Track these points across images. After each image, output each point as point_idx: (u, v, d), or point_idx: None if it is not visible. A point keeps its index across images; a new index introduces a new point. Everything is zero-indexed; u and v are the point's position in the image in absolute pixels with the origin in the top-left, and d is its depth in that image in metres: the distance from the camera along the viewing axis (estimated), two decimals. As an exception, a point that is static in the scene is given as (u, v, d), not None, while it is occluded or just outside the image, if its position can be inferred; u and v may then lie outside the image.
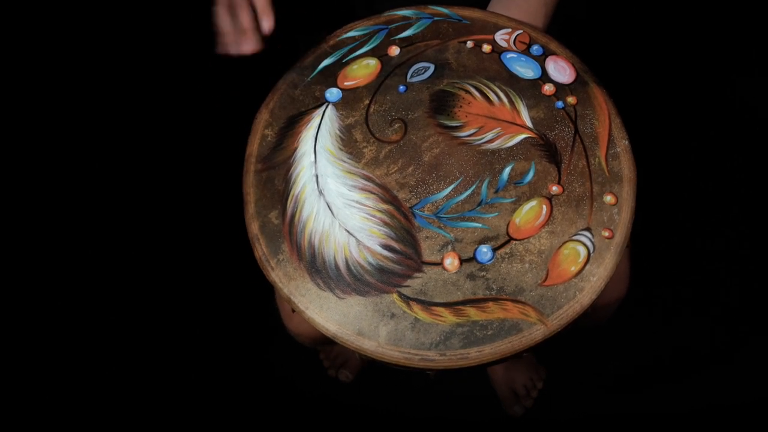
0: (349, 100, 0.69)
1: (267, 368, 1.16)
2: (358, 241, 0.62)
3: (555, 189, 0.63)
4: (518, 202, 0.63)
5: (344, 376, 1.15)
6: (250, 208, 0.65)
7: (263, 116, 0.69)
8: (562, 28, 0.78)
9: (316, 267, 0.61)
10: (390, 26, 0.73)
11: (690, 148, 1.31)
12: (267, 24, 0.65)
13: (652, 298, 1.19)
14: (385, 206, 0.64)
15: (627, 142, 0.65)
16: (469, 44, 0.71)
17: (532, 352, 0.63)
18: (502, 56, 0.70)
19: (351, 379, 1.15)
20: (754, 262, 1.21)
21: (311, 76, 0.71)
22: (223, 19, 0.65)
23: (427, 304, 0.60)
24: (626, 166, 0.64)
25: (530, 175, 0.64)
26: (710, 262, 1.22)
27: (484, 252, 0.61)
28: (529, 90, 0.68)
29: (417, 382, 1.03)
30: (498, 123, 0.67)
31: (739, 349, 1.14)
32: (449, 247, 0.61)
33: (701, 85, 1.35)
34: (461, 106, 0.68)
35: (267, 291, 0.75)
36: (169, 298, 1.19)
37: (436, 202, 0.64)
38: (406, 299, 0.60)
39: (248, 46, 0.65)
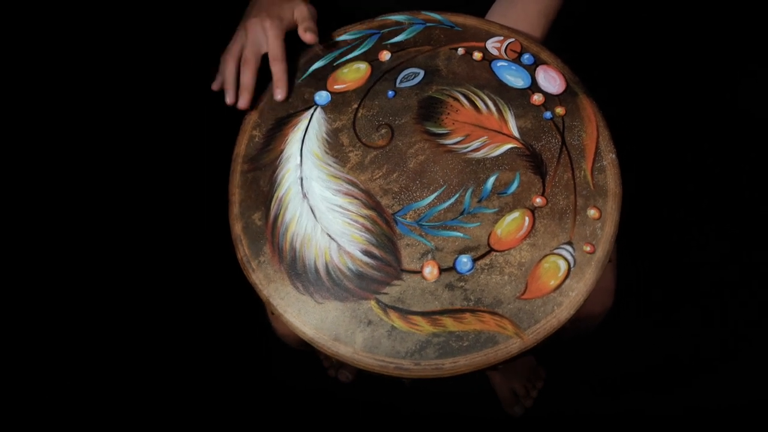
0: (338, 103, 0.69)
1: (266, 368, 1.16)
2: (339, 246, 0.62)
3: (539, 201, 0.62)
4: (501, 213, 0.62)
5: (344, 377, 1.15)
6: (235, 209, 0.65)
7: (252, 117, 0.69)
8: (556, 38, 0.77)
9: (297, 270, 0.61)
10: (382, 31, 0.72)
11: (679, 160, 1.30)
12: (280, 94, 0.69)
13: (653, 299, 1.18)
14: (367, 212, 0.63)
15: (614, 156, 0.64)
16: (460, 51, 0.70)
17: (532, 354, 0.62)
18: (492, 64, 0.69)
19: (351, 379, 1.15)
20: (747, 270, 1.20)
21: (301, 78, 0.71)
22: (228, 68, 0.68)
23: (405, 313, 0.59)
24: (612, 180, 0.63)
25: (514, 186, 0.63)
26: (714, 263, 1.22)
27: (464, 262, 0.60)
28: (517, 99, 0.67)
29: (393, 382, 1.03)
30: (485, 132, 0.66)
31: (741, 351, 1.14)
32: (429, 256, 0.61)
33: (694, 97, 1.34)
34: (449, 114, 0.67)
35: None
36: (163, 298, 1.19)
37: (418, 209, 0.63)
38: (383, 306, 0.60)
39: (242, 102, 0.68)
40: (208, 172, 0.89)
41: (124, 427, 1.12)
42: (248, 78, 0.68)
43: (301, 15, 0.69)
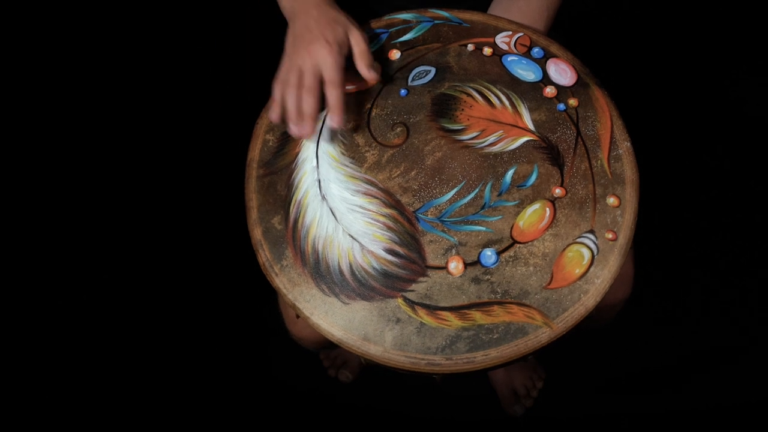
0: (350, 104, 0.69)
1: (267, 369, 1.16)
2: (361, 245, 0.62)
3: (558, 192, 0.63)
4: (521, 205, 0.63)
5: (344, 377, 1.15)
6: (253, 214, 0.65)
7: (264, 121, 0.69)
8: (562, 31, 0.78)
9: (320, 272, 0.61)
10: (390, 30, 0.72)
11: (692, 148, 1.32)
12: (336, 122, 0.64)
13: (654, 298, 1.19)
14: (388, 210, 0.64)
15: (629, 144, 0.65)
16: (470, 47, 0.71)
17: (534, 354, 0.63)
18: (503, 59, 0.70)
19: (351, 379, 1.15)
20: (758, 262, 1.22)
21: None
22: (292, 96, 0.64)
23: (433, 309, 0.60)
24: (628, 168, 0.64)
25: (533, 178, 0.64)
26: (713, 263, 1.23)
27: (489, 255, 0.61)
28: (530, 93, 0.68)
29: (416, 382, 1.04)
30: (500, 126, 0.67)
31: (743, 350, 1.15)
32: (453, 251, 0.61)
33: (702, 85, 1.36)
34: (463, 110, 0.68)
35: (267, 293, 0.75)
36: (172, 303, 1.19)
37: (439, 205, 0.64)
38: (411, 304, 0.60)
39: (307, 131, 0.64)
40: (220, 178, 0.88)
41: (124, 427, 1.11)
42: (311, 106, 0.63)
43: (359, 45, 0.66)
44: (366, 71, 0.66)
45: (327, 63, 0.63)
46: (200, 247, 1.21)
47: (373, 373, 1.14)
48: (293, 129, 0.64)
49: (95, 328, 1.17)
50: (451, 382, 1.02)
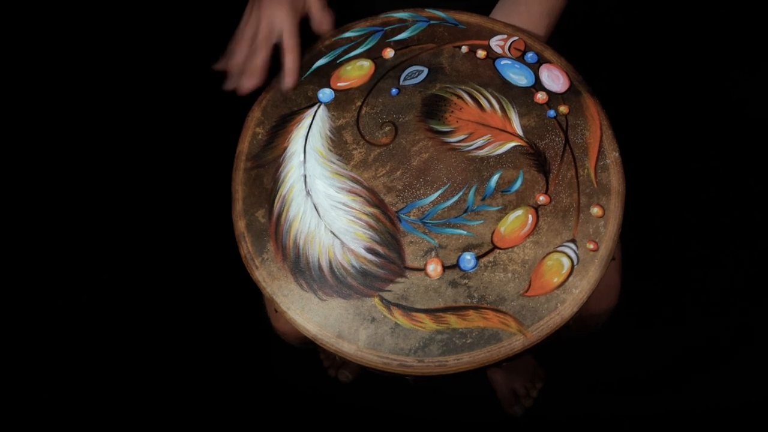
0: (342, 101, 0.69)
1: (266, 368, 1.16)
2: (342, 243, 0.62)
3: (542, 199, 0.63)
4: (504, 211, 0.62)
5: (344, 377, 1.15)
6: (238, 206, 0.65)
7: (255, 114, 0.69)
8: (559, 33, 0.77)
9: (300, 268, 0.61)
10: (386, 28, 0.72)
11: (692, 148, 1.30)
12: (290, 83, 0.68)
13: (654, 298, 1.19)
14: (371, 209, 0.63)
15: (617, 154, 0.64)
16: (464, 49, 0.70)
17: (531, 354, 0.62)
18: (496, 62, 0.69)
19: (351, 379, 1.15)
20: (758, 262, 1.20)
21: (305, 75, 0.71)
22: (240, 51, 0.66)
23: (408, 310, 0.59)
24: (615, 179, 0.63)
25: (518, 184, 0.64)
26: (713, 263, 1.22)
27: (468, 259, 0.61)
28: (521, 97, 0.67)
29: (396, 382, 1.04)
30: (488, 130, 0.66)
31: (742, 350, 1.14)
32: (433, 253, 0.61)
33: (703, 86, 1.34)
34: (452, 112, 0.67)
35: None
36: (172, 302, 1.19)
37: (422, 207, 0.63)
38: (387, 304, 0.60)
39: (249, 83, 0.66)
40: (210, 169, 0.89)
41: (124, 427, 1.11)
42: (259, 61, 0.66)
43: (315, 4, 0.68)
44: (317, 25, 0.69)
45: (285, 26, 0.66)
46: (200, 244, 1.21)
47: (373, 374, 1.14)
48: (228, 83, 0.67)
49: (95, 328, 1.18)
50: (425, 383, 1.02)
